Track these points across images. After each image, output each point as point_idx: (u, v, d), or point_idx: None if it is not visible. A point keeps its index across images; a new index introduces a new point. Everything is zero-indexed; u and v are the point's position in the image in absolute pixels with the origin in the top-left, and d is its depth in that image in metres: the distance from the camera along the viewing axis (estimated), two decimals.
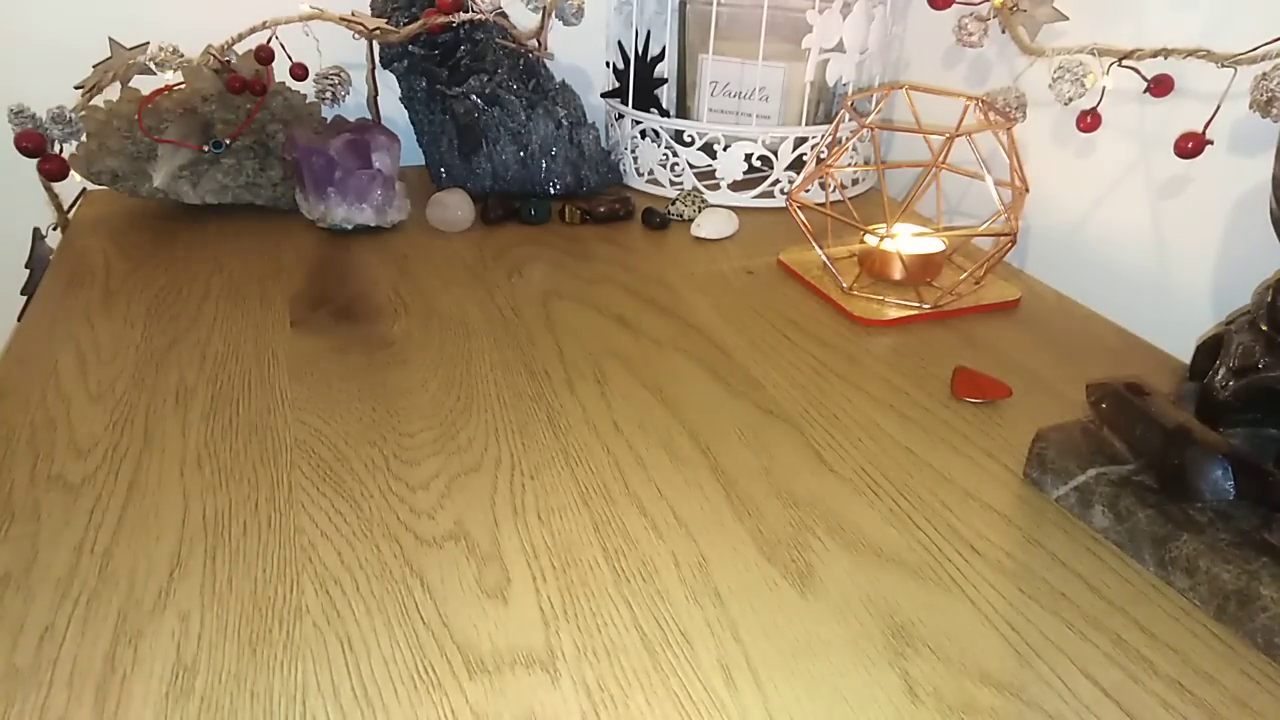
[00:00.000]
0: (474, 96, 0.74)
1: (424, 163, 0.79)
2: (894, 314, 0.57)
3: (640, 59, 0.77)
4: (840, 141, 0.71)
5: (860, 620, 0.33)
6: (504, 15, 0.76)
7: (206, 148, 0.68)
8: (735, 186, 0.76)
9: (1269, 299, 0.40)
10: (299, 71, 0.73)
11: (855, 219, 0.60)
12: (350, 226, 0.68)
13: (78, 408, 0.45)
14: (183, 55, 0.68)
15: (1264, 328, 0.40)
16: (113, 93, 0.68)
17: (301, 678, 0.30)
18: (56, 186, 0.68)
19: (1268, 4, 0.51)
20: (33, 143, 0.63)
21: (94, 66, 0.66)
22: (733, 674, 0.31)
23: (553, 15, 0.77)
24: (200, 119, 0.69)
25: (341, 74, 0.73)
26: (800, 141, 0.75)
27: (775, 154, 0.75)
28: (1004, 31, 0.65)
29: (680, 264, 0.65)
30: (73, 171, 0.66)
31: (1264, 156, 0.52)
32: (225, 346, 0.52)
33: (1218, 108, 0.51)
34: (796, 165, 0.75)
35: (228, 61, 0.69)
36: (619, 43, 0.80)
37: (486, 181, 0.75)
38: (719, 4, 0.72)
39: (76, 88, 0.66)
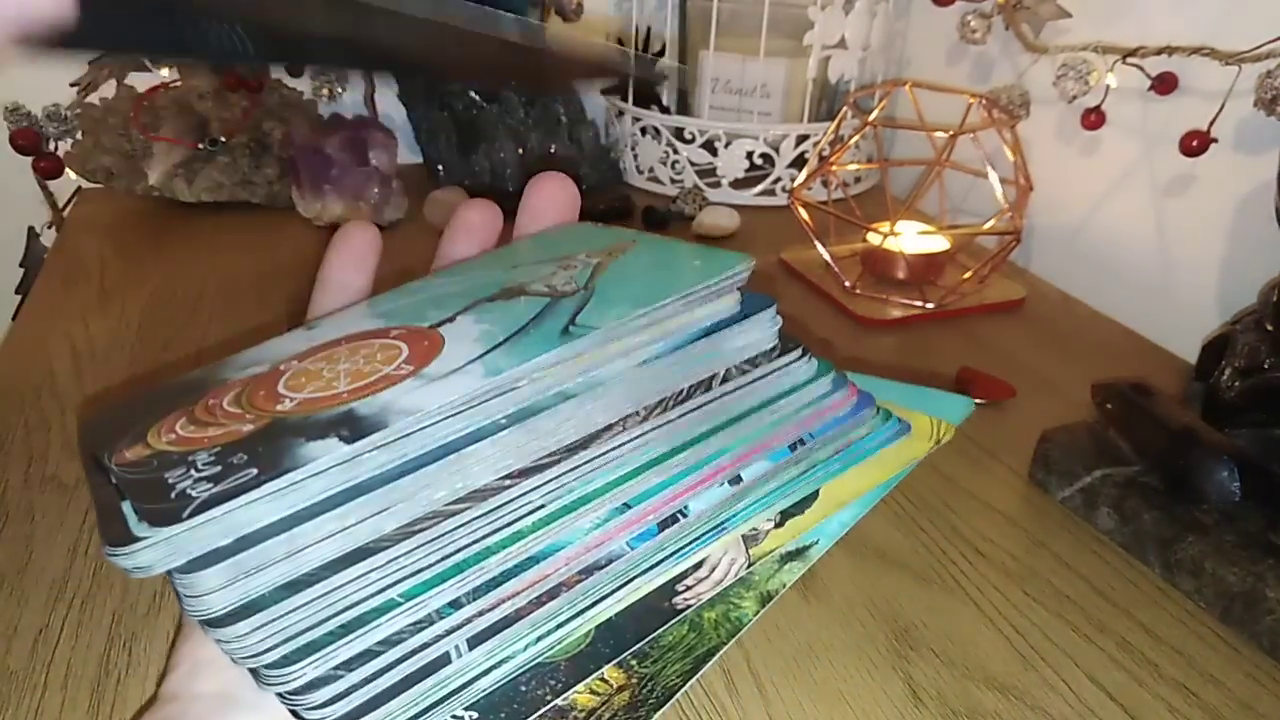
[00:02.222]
0: (472, 93, 0.73)
1: (421, 160, 0.79)
2: (897, 313, 0.57)
3: (640, 55, 0.77)
4: (842, 139, 0.70)
5: (863, 623, 0.33)
6: None
7: (202, 145, 0.68)
8: (736, 184, 0.76)
9: (1275, 298, 0.40)
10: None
11: (858, 217, 0.59)
12: None
13: (72, 408, 0.45)
14: None
15: (1270, 327, 0.40)
16: (108, 90, 0.67)
17: None
18: (51, 184, 0.68)
19: (1271, 2, 0.50)
20: (28, 140, 0.63)
21: (90, 63, 0.66)
22: (734, 678, 0.31)
23: (552, 11, 0.76)
24: (196, 116, 0.68)
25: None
26: (802, 139, 0.74)
27: (777, 151, 0.75)
28: (1007, 28, 0.65)
29: None
30: (68, 169, 0.66)
31: (1269, 155, 0.51)
32: (221, 346, 0.51)
33: (1222, 105, 0.51)
34: (798, 163, 0.75)
35: None
36: (619, 39, 0.79)
37: (485, 179, 0.75)
38: None
39: (72, 85, 0.66)
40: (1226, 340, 0.41)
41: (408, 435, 0.20)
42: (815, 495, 0.26)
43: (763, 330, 0.26)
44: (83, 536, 0.36)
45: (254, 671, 0.19)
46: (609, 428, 0.23)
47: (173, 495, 0.19)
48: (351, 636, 0.19)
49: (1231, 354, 0.40)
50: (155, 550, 0.18)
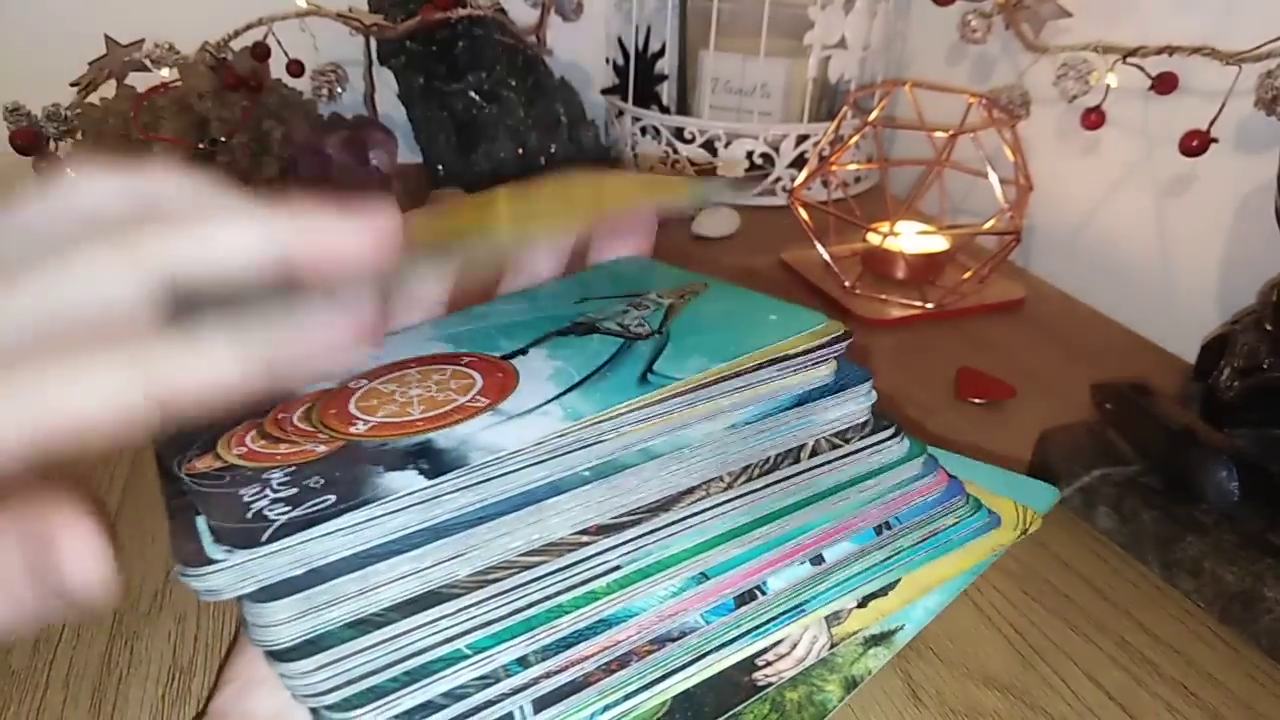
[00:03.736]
0: (472, 93, 0.73)
1: (421, 160, 0.79)
2: (897, 313, 0.57)
3: (640, 55, 0.77)
4: (842, 139, 0.70)
5: None
6: (502, 11, 0.75)
7: (202, 145, 0.68)
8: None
9: (1274, 298, 0.40)
10: (295, 68, 0.72)
11: (858, 217, 0.59)
12: None
13: None
14: (179, 52, 0.67)
15: (1269, 327, 0.40)
16: (108, 90, 0.67)
17: None
18: None
19: (1272, 1, 0.50)
20: (28, 140, 0.63)
21: (89, 64, 0.66)
22: None
23: (552, 10, 0.76)
24: (196, 116, 0.68)
25: (338, 70, 0.73)
26: (802, 139, 0.74)
27: (777, 151, 0.75)
28: (1008, 28, 0.65)
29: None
30: (68, 170, 0.66)
31: (1269, 155, 0.51)
32: None
33: (1222, 105, 0.51)
34: (798, 163, 0.75)
35: (224, 58, 0.68)
36: (619, 38, 0.79)
37: (484, 179, 0.75)
38: None
39: (72, 85, 0.66)
40: (1226, 340, 0.41)
41: (489, 479, 0.20)
42: (898, 579, 0.26)
43: (857, 404, 0.25)
44: None
45: (314, 712, 0.19)
46: (691, 491, 0.22)
47: (249, 515, 0.19)
48: (416, 685, 0.19)
49: (1231, 354, 0.40)
50: (228, 574, 0.18)
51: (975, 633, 0.33)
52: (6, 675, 0.30)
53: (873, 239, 0.59)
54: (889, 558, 0.25)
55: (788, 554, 0.23)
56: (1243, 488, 0.36)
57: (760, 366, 0.23)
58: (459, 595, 0.19)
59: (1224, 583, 0.34)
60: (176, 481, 0.21)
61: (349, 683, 0.18)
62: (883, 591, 0.25)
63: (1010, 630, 0.33)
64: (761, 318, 0.25)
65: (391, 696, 0.19)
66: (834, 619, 0.25)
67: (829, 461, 0.24)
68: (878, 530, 0.25)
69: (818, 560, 0.24)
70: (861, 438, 0.25)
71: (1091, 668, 0.32)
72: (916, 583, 0.26)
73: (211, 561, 0.18)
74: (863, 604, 0.25)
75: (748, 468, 0.23)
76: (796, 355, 0.24)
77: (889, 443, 0.25)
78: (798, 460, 0.24)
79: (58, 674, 0.30)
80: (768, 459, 0.24)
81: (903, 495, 0.26)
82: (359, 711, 0.18)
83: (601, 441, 0.21)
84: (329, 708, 0.18)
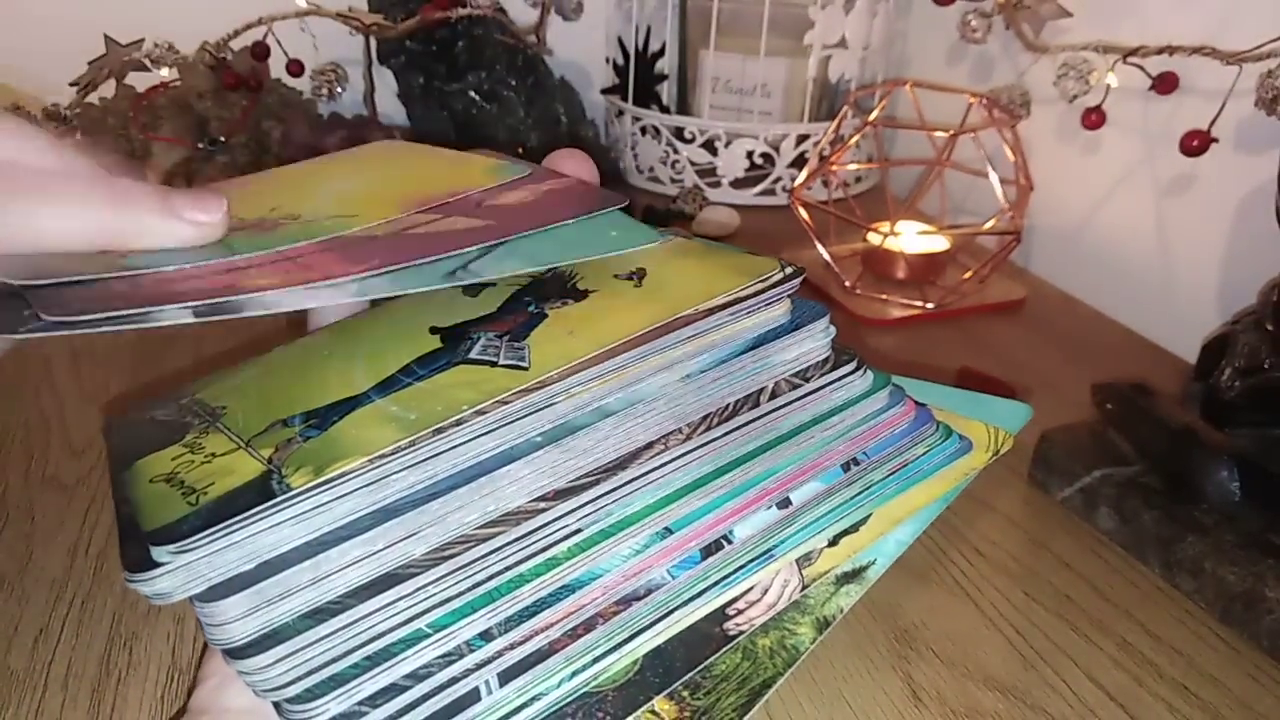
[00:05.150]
0: (472, 93, 0.73)
1: None
2: (897, 313, 0.57)
3: (640, 55, 0.77)
4: (843, 138, 0.70)
5: (863, 623, 0.33)
6: (502, 11, 0.75)
7: (201, 145, 0.68)
8: (737, 184, 0.76)
9: (1275, 298, 0.40)
10: (295, 68, 0.72)
11: (858, 217, 0.59)
12: None
13: (71, 407, 0.45)
14: (178, 52, 0.67)
15: (1269, 327, 0.40)
16: (108, 89, 0.67)
17: None
18: None
19: (1273, 1, 0.50)
20: None
21: (89, 64, 0.66)
22: None
23: (552, 10, 0.76)
24: (195, 116, 0.68)
25: (338, 70, 0.73)
26: (802, 138, 0.74)
27: (777, 151, 0.75)
28: (1008, 28, 0.65)
29: None
30: None
31: (1270, 154, 0.51)
32: (220, 347, 0.51)
33: (1223, 105, 0.51)
34: (798, 162, 0.75)
35: (223, 58, 0.68)
36: (619, 38, 0.79)
37: None
38: None
39: (71, 85, 0.65)
40: (1226, 340, 0.41)
41: (437, 453, 0.19)
42: (869, 514, 0.25)
43: (815, 341, 0.25)
44: (83, 536, 0.36)
45: (277, 706, 0.18)
46: (649, 446, 0.22)
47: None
48: (377, 670, 0.19)
49: (1231, 354, 0.40)
50: (175, 576, 0.18)
51: (976, 633, 0.33)
52: (5, 676, 0.30)
53: (873, 239, 0.59)
54: (859, 494, 0.24)
55: (753, 500, 0.23)
56: (1244, 488, 0.36)
57: (712, 312, 0.23)
58: (416, 574, 0.19)
59: (1225, 583, 0.34)
60: (122, 489, 0.21)
61: (310, 673, 0.18)
62: (854, 528, 0.25)
63: (1011, 631, 0.33)
64: (601, 230, 0.25)
65: (353, 683, 0.18)
66: (805, 560, 0.24)
67: (790, 402, 0.24)
68: (845, 467, 0.25)
69: (785, 503, 0.24)
70: (822, 375, 0.24)
71: (1092, 668, 0.32)
72: (888, 515, 0.25)
73: (156, 565, 0.18)
74: (834, 542, 0.25)
75: (707, 417, 0.23)
76: (748, 297, 0.23)
77: (851, 377, 0.25)
78: (758, 404, 0.23)
79: (56, 675, 0.30)
80: (727, 406, 0.23)
81: (869, 429, 0.25)
82: (321, 701, 0.18)
83: (553, 404, 0.21)
84: (290, 700, 0.18)
